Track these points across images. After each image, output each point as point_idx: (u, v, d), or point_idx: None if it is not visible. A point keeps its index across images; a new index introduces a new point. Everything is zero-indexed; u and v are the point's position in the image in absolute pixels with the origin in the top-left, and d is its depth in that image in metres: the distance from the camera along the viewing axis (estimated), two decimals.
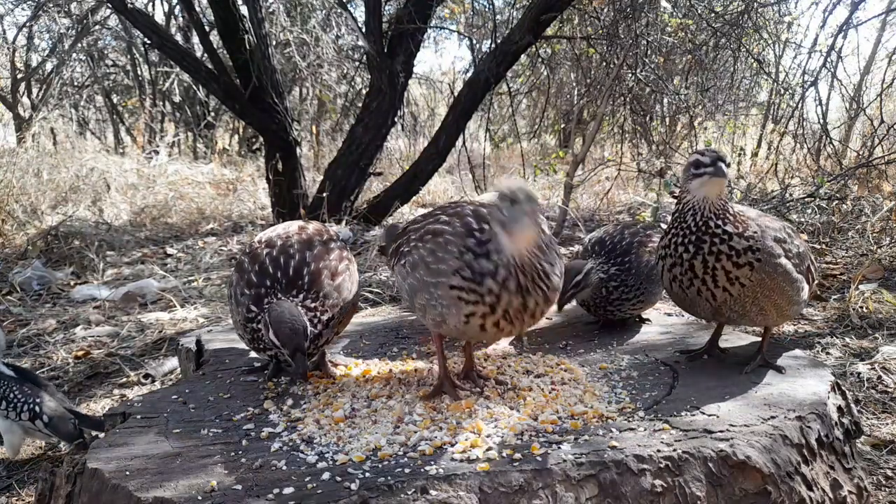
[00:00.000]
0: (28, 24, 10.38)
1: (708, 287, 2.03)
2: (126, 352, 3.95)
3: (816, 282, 2.30)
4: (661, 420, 1.74)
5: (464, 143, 7.00)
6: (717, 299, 2.04)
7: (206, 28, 7.07)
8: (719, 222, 1.99)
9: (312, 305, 2.02)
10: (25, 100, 10.94)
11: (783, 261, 2.03)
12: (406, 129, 9.70)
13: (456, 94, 6.88)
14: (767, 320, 2.15)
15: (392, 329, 2.71)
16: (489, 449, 1.60)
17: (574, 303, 2.57)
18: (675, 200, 2.14)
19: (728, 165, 2.00)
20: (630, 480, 1.52)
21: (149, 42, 7.17)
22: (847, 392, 2.02)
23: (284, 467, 1.57)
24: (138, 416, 1.85)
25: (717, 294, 2.03)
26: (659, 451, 1.57)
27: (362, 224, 6.45)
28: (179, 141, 11.60)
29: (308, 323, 1.94)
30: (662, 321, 2.74)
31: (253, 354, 2.35)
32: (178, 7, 11.10)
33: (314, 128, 11.90)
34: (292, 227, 2.28)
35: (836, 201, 5.92)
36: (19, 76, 10.68)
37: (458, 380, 2.01)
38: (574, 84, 10.37)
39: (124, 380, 3.62)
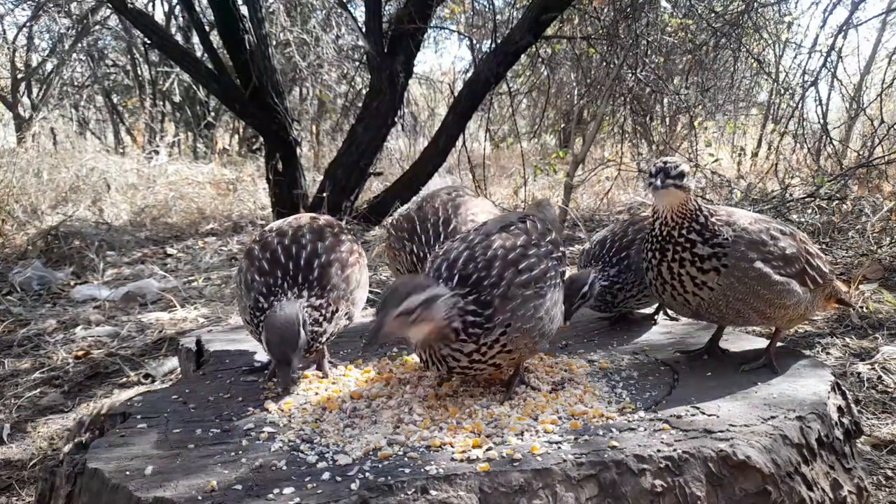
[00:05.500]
0: (28, 24, 10.40)
1: (679, 292, 2.08)
2: (126, 352, 3.95)
3: (825, 286, 2.23)
4: (661, 420, 1.73)
5: (464, 143, 7.00)
6: (691, 303, 2.08)
7: (206, 28, 7.07)
8: (683, 231, 2.03)
9: (318, 303, 2.00)
10: (25, 100, 10.96)
11: (758, 265, 2.02)
12: (406, 129, 9.68)
13: (456, 94, 6.88)
14: (749, 323, 2.16)
15: None
16: (489, 449, 1.60)
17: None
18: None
19: (675, 177, 1.96)
20: (630, 480, 1.52)
21: (149, 42, 7.18)
22: (847, 392, 2.02)
23: (284, 467, 1.57)
24: (138, 416, 1.85)
25: (689, 298, 2.07)
26: (659, 451, 1.57)
27: (362, 224, 6.46)
28: (179, 141, 11.62)
29: (304, 332, 1.88)
30: (663, 321, 2.74)
31: (256, 353, 2.35)
32: (178, 7, 11.11)
33: (314, 128, 11.91)
34: (303, 217, 2.27)
35: (836, 201, 5.91)
36: (19, 76, 10.69)
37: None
38: (574, 84, 10.36)
39: (124, 380, 3.62)
